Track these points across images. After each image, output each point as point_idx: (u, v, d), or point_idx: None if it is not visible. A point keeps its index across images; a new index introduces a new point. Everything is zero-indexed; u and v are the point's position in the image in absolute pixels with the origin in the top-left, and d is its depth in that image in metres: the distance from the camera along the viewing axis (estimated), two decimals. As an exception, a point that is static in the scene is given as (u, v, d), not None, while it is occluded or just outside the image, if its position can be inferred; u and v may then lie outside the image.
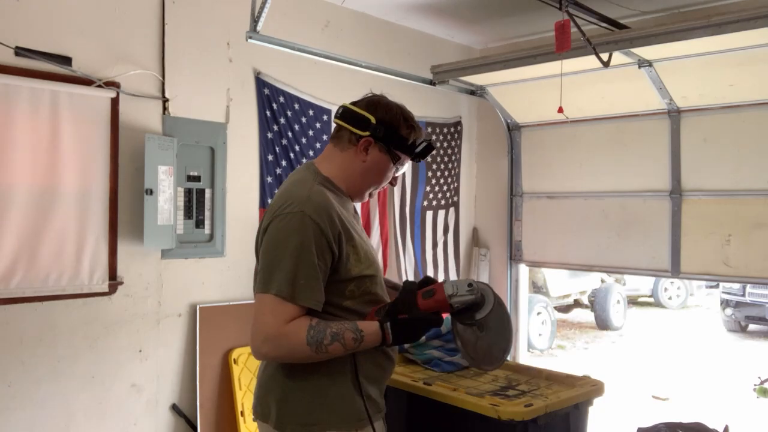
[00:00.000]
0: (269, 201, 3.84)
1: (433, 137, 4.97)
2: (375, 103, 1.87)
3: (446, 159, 5.13)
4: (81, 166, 3.15)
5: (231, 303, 3.73)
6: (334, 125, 1.92)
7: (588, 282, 10.87)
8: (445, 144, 5.12)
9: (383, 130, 1.82)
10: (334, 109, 4.25)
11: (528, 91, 4.52)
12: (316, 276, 1.67)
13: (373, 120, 1.82)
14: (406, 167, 1.98)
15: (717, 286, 11.26)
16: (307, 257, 1.65)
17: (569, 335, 10.29)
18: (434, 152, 5.00)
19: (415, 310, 1.75)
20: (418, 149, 1.89)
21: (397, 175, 1.95)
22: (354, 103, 1.89)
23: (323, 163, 1.89)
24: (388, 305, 1.79)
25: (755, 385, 6.81)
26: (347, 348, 1.68)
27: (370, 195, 1.96)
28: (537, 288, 9.83)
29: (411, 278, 4.78)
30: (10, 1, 2.96)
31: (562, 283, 10.26)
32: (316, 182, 1.80)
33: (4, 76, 2.90)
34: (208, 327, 3.63)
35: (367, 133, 1.82)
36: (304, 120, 4.11)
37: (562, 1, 3.10)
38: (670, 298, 12.79)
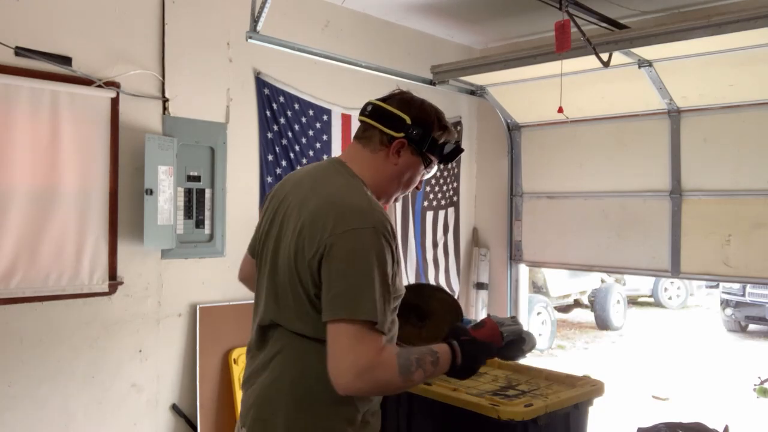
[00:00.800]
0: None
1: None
2: (408, 101, 1.70)
3: (446, 159, 5.12)
4: (81, 166, 3.15)
5: (231, 303, 3.73)
6: (359, 123, 1.75)
7: (588, 282, 10.87)
8: (445, 144, 5.11)
9: (419, 132, 1.66)
10: (334, 109, 4.25)
11: (528, 91, 4.52)
12: (390, 299, 1.52)
13: (408, 120, 1.65)
14: (435, 170, 1.83)
15: (717, 286, 11.25)
16: (385, 279, 1.49)
17: (569, 335, 10.29)
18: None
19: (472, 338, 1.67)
20: (446, 151, 1.72)
21: (424, 178, 1.80)
22: (383, 100, 1.70)
23: (354, 164, 1.68)
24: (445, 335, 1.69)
25: (755, 385, 6.80)
26: (426, 374, 1.53)
27: (396, 200, 1.80)
28: (537, 288, 9.83)
29: (412, 279, 4.79)
30: (10, 1, 2.96)
31: (562, 283, 10.26)
32: (365, 189, 1.63)
33: (4, 76, 2.90)
34: (208, 327, 3.63)
35: (402, 135, 1.65)
36: (304, 120, 4.11)
37: (562, 1, 3.10)
38: (670, 298, 12.79)
